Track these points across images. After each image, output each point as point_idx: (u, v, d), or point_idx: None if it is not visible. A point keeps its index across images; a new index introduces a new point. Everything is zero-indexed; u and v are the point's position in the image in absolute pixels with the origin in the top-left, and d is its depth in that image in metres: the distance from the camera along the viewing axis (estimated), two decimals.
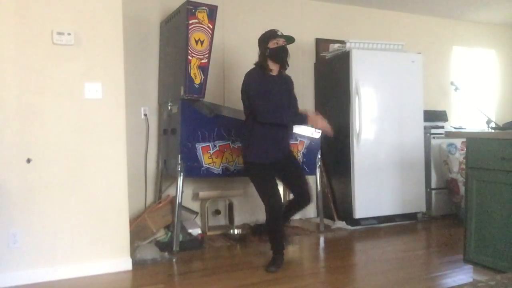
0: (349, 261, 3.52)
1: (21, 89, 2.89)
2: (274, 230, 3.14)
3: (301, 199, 3.29)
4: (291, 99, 3.30)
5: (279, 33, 3.15)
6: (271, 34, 3.15)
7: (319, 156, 4.26)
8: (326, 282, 2.98)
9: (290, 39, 3.20)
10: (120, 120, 3.15)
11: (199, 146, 3.67)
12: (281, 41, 3.14)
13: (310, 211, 4.93)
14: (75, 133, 3.02)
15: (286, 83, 3.28)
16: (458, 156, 4.71)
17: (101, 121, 3.09)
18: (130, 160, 3.39)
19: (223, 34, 4.44)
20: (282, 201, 3.28)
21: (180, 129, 3.62)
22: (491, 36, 6.12)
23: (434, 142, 4.84)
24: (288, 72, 3.33)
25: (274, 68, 3.18)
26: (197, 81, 3.55)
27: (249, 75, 3.18)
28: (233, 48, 4.50)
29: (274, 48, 3.12)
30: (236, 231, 4.05)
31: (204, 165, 3.69)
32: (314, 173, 4.29)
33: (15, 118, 2.88)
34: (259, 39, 3.22)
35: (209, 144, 3.70)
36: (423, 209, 4.67)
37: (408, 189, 4.53)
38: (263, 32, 3.25)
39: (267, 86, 3.13)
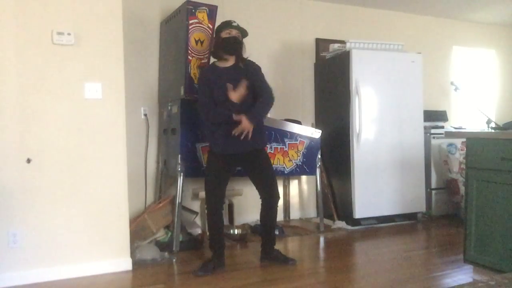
0: (349, 261, 3.52)
1: (21, 89, 2.89)
2: (209, 227, 3.16)
3: (264, 195, 3.17)
4: (257, 88, 3.10)
5: (234, 24, 3.13)
6: (225, 24, 3.13)
7: (319, 156, 4.26)
8: (326, 282, 2.98)
9: (243, 32, 3.16)
10: (120, 120, 3.15)
11: (199, 146, 3.67)
12: (234, 32, 3.10)
13: (310, 211, 4.94)
14: (75, 133, 3.02)
15: (240, 74, 3.09)
16: (458, 156, 4.71)
17: (101, 121, 3.09)
18: (130, 160, 3.38)
19: None
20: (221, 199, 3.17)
21: (180, 129, 3.62)
22: (491, 36, 6.12)
23: (434, 142, 4.84)
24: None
25: (228, 60, 3.14)
26: (197, 81, 3.54)
27: (203, 68, 3.23)
28: None
29: (226, 37, 3.10)
30: (236, 231, 4.04)
31: (204, 165, 3.69)
32: (314, 173, 4.29)
33: (15, 118, 2.88)
34: (215, 29, 3.22)
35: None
36: (423, 209, 4.67)
37: (408, 189, 4.53)
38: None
39: (214, 79, 3.08)
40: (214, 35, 3.16)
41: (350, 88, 4.31)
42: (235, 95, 3.01)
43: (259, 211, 3.23)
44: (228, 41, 3.08)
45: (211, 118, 3.08)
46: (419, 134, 4.63)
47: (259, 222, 4.17)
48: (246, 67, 3.15)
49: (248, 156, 3.14)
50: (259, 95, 3.11)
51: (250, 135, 2.99)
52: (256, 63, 3.24)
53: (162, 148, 4.16)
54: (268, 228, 3.24)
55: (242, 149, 3.07)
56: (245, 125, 2.96)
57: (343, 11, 5.13)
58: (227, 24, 3.13)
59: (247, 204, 4.41)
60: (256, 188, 3.21)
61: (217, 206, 3.13)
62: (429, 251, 3.75)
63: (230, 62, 3.15)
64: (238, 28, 3.13)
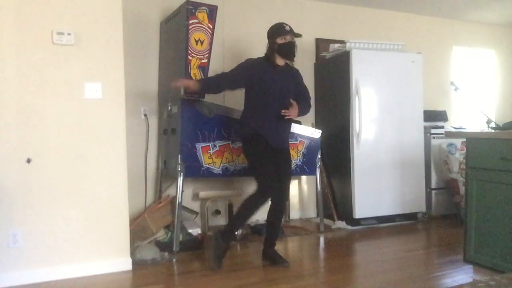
0: (349, 261, 3.52)
1: (21, 89, 2.89)
2: (248, 213, 3.19)
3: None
4: (300, 91, 3.37)
5: (287, 28, 3.19)
6: (279, 31, 3.19)
7: (319, 156, 4.26)
8: (326, 282, 2.98)
9: (297, 36, 3.25)
10: (120, 120, 3.15)
11: (199, 146, 3.67)
12: (288, 37, 3.18)
13: (310, 211, 4.94)
14: (75, 133, 3.02)
15: (292, 76, 3.33)
16: (458, 156, 4.71)
17: (101, 121, 3.09)
18: (130, 160, 3.38)
19: (223, 34, 4.44)
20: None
21: (180, 129, 3.62)
22: (491, 36, 6.12)
23: (434, 142, 4.84)
24: None
25: (280, 62, 3.25)
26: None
27: (251, 60, 3.32)
28: (233, 48, 4.50)
29: (282, 43, 3.17)
30: (236, 231, 4.04)
31: (204, 165, 3.69)
32: (314, 173, 4.29)
33: (15, 118, 2.88)
34: (268, 32, 3.26)
35: (209, 144, 3.70)
36: (423, 209, 4.67)
37: (408, 189, 4.53)
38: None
39: (266, 74, 3.20)
40: (269, 40, 3.24)
41: (350, 88, 4.31)
42: (292, 112, 3.18)
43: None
44: (286, 46, 3.17)
45: (217, 88, 3.30)
46: (419, 134, 4.63)
47: (259, 222, 4.20)
48: (292, 69, 3.35)
49: (282, 152, 3.27)
50: (303, 97, 3.36)
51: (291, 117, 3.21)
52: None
53: (162, 148, 4.16)
54: (274, 228, 3.28)
55: (278, 144, 3.24)
56: (294, 111, 3.19)
57: (343, 11, 5.13)
58: (281, 30, 3.19)
59: None
60: None
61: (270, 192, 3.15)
62: (429, 251, 3.75)
63: (281, 63, 3.26)
64: (291, 32, 3.20)
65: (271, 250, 3.26)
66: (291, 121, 3.35)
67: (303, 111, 3.32)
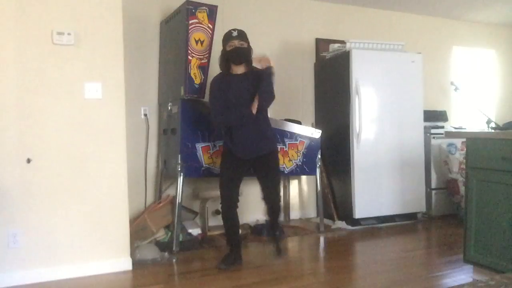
0: (349, 261, 3.51)
1: (21, 89, 2.89)
2: (224, 224, 3.26)
3: (265, 199, 3.30)
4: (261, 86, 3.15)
5: (234, 34, 3.15)
6: (227, 38, 3.17)
7: (319, 156, 4.26)
8: (326, 282, 2.98)
9: (243, 36, 3.17)
10: (120, 120, 3.15)
11: (199, 146, 3.67)
12: (236, 42, 3.13)
13: (310, 211, 4.94)
14: (75, 133, 3.02)
15: (253, 79, 3.14)
16: (458, 156, 4.71)
17: (101, 121, 3.09)
18: (130, 160, 3.38)
19: (223, 34, 4.42)
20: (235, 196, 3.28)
21: (180, 129, 3.62)
22: (491, 36, 6.12)
23: (434, 142, 4.83)
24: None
25: (237, 70, 3.19)
26: (197, 81, 3.55)
27: (214, 78, 3.27)
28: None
29: (229, 50, 3.14)
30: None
31: (204, 165, 3.69)
32: (314, 173, 4.29)
33: (15, 118, 2.88)
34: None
35: (209, 144, 3.70)
36: (423, 209, 4.67)
37: (408, 189, 4.53)
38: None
39: (225, 86, 3.15)
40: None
41: (350, 88, 4.31)
42: (259, 60, 3.12)
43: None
44: (231, 53, 3.13)
45: (225, 121, 3.18)
46: (419, 134, 4.63)
47: (259, 222, 4.20)
48: (259, 73, 3.18)
49: (259, 159, 3.23)
50: (260, 91, 3.12)
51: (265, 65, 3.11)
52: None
53: (162, 148, 4.16)
54: (273, 219, 3.38)
55: (255, 154, 3.19)
56: (265, 59, 3.12)
57: (343, 11, 5.13)
58: (228, 37, 3.16)
59: (247, 204, 4.40)
60: (260, 190, 3.31)
61: (230, 203, 3.22)
62: (429, 251, 3.75)
63: (240, 70, 3.19)
64: (238, 37, 3.14)
65: (276, 233, 3.43)
66: (264, 127, 3.21)
67: (262, 104, 3.13)
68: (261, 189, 3.29)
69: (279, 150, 3.52)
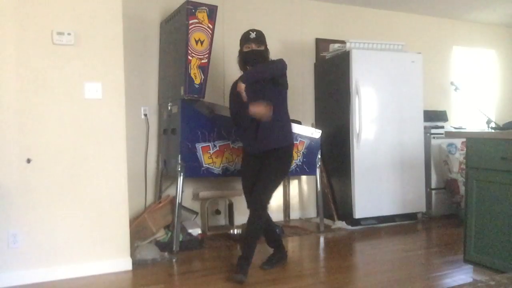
0: (349, 261, 3.52)
1: (21, 89, 2.89)
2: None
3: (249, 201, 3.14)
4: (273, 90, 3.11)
5: (251, 36, 3.13)
6: (244, 39, 3.16)
7: (319, 156, 4.26)
8: (326, 282, 2.98)
9: (262, 38, 3.16)
10: (120, 120, 3.15)
11: (199, 146, 3.67)
12: (253, 45, 3.12)
13: (310, 211, 4.94)
14: (75, 133, 3.02)
15: (259, 85, 3.05)
16: (458, 156, 4.71)
17: (101, 121, 3.09)
18: (130, 160, 3.39)
19: (223, 34, 4.44)
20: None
21: (180, 129, 3.62)
22: (491, 36, 6.12)
23: (434, 142, 4.84)
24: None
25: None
26: (197, 81, 3.55)
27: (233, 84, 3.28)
28: (233, 48, 4.49)
29: (245, 52, 3.14)
30: (236, 231, 4.05)
31: (204, 165, 3.69)
32: (314, 173, 4.29)
33: (15, 118, 2.88)
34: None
35: (209, 144, 3.70)
36: (423, 209, 4.67)
37: (408, 189, 4.53)
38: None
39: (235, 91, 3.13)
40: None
41: (350, 88, 4.32)
42: (255, 109, 2.96)
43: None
44: (247, 55, 3.13)
45: (237, 123, 3.29)
46: (419, 134, 4.63)
47: None
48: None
49: (265, 154, 3.07)
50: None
51: (244, 95, 2.96)
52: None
53: (162, 148, 4.16)
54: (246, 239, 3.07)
55: (257, 150, 3.11)
56: (239, 87, 2.96)
57: (343, 11, 5.13)
58: (246, 39, 3.15)
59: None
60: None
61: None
62: (429, 251, 3.75)
63: None
64: (256, 39, 3.12)
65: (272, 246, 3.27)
66: (274, 122, 3.03)
67: (255, 70, 3.05)
68: None
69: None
